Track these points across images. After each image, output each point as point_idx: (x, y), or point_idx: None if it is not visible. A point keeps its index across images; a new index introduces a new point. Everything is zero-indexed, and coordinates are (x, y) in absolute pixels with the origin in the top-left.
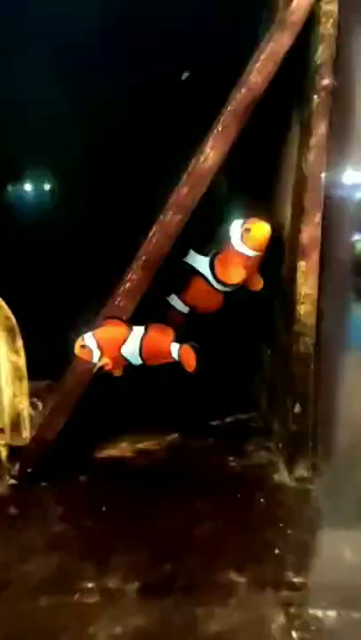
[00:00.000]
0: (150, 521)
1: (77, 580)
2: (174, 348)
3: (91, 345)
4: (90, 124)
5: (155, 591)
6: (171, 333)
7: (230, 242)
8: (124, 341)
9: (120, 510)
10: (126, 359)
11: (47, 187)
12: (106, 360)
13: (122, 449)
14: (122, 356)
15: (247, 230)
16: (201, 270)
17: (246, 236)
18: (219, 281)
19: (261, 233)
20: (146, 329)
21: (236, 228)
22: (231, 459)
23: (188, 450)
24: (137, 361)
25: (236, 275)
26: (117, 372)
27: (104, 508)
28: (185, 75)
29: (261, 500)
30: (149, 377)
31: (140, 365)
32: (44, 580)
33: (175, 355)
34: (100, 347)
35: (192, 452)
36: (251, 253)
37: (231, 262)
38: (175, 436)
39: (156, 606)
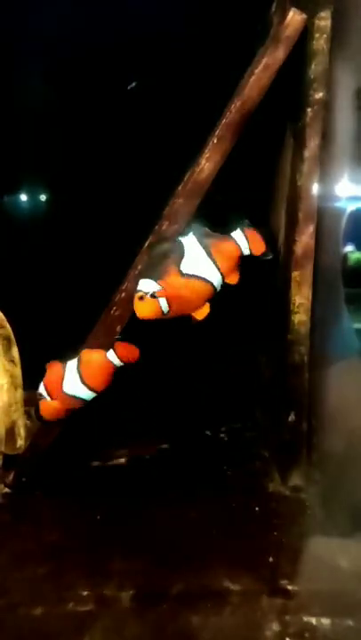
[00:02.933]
0: (145, 529)
1: (71, 588)
2: (111, 355)
3: (44, 394)
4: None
5: (150, 599)
6: (102, 350)
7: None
8: (62, 379)
9: (115, 518)
10: (74, 396)
11: (42, 196)
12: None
13: (116, 457)
14: (67, 394)
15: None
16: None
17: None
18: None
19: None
20: (78, 358)
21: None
22: (225, 467)
23: (182, 458)
24: (85, 393)
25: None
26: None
27: (99, 517)
28: (132, 85)
29: (256, 508)
30: (143, 385)
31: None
32: (38, 587)
33: (115, 360)
34: (48, 393)
35: (186, 460)
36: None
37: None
38: (169, 444)
39: (151, 614)
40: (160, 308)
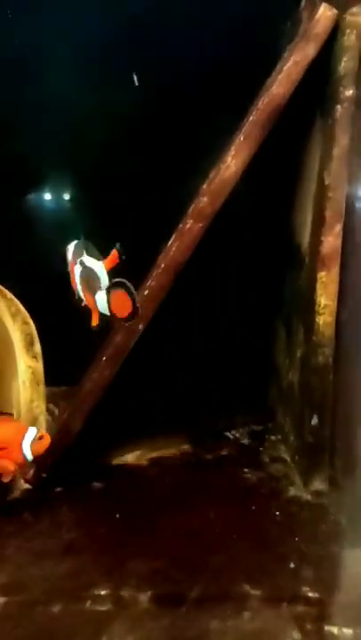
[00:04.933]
0: (164, 530)
1: (90, 586)
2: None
3: None
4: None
5: (168, 601)
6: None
7: None
8: None
9: (133, 518)
10: None
11: (66, 194)
12: None
13: (136, 457)
14: None
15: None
16: None
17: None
18: None
19: None
20: None
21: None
22: (246, 470)
23: (202, 460)
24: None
25: None
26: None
27: (118, 516)
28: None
29: (276, 512)
30: (165, 385)
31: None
32: (56, 585)
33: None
34: None
35: (206, 462)
36: None
37: None
38: (189, 445)
39: (169, 617)
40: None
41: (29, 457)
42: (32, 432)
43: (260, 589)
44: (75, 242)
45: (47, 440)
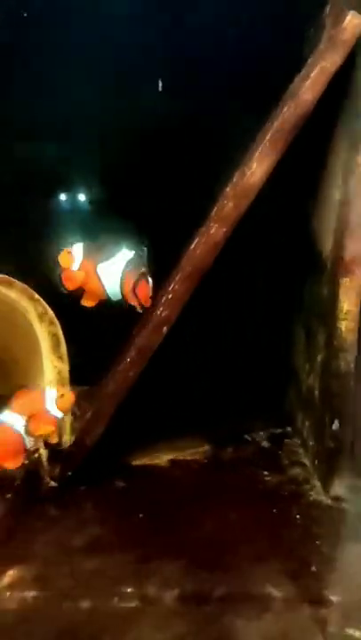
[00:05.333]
0: (186, 530)
1: (117, 584)
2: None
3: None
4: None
5: (193, 600)
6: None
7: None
8: None
9: (156, 518)
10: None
11: (85, 196)
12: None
13: (156, 458)
14: None
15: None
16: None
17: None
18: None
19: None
20: None
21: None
22: (266, 473)
23: (222, 462)
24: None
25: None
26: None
27: (141, 515)
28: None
29: (297, 516)
30: (184, 386)
31: None
32: (84, 581)
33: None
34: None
35: (226, 464)
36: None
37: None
38: (209, 447)
39: (195, 615)
40: (70, 264)
41: (59, 415)
42: (50, 393)
43: (283, 591)
44: (79, 244)
45: (69, 395)
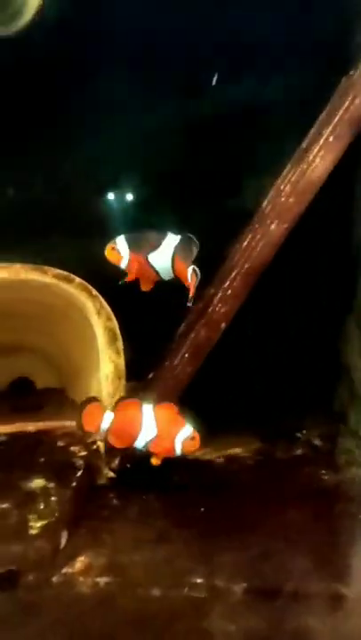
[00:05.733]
0: (248, 525)
1: (186, 574)
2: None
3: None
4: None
5: (262, 594)
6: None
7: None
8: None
9: (218, 512)
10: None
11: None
12: None
13: (210, 453)
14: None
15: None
16: None
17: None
18: None
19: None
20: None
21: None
22: (323, 472)
23: (276, 459)
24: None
25: None
26: None
27: (202, 509)
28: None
29: (359, 516)
30: (236, 383)
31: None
32: (154, 570)
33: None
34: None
35: (281, 461)
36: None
37: None
38: (261, 444)
39: (266, 609)
40: (120, 263)
41: (178, 452)
42: (187, 430)
43: (352, 590)
44: (120, 237)
45: (197, 442)
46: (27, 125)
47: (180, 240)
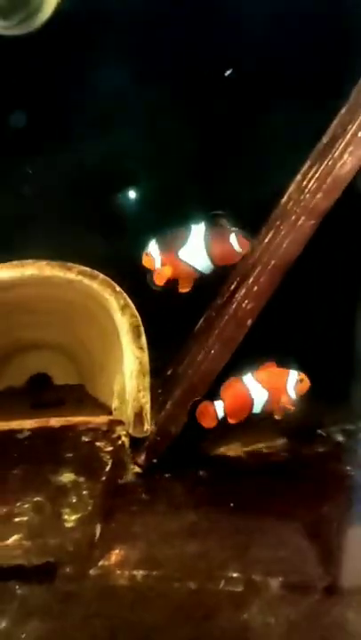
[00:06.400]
0: (279, 521)
1: (221, 568)
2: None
3: None
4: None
5: (298, 588)
6: None
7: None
8: None
9: (247, 507)
10: None
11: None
12: None
13: (233, 449)
14: None
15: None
16: None
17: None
18: None
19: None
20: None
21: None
22: (349, 468)
23: (300, 455)
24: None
25: None
26: None
27: (232, 504)
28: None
29: None
30: None
31: None
32: (188, 564)
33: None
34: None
35: (305, 457)
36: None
37: None
38: (285, 440)
39: (304, 603)
40: (153, 266)
41: (294, 397)
42: (294, 375)
43: None
44: (152, 242)
45: (307, 381)
46: None
47: (205, 226)
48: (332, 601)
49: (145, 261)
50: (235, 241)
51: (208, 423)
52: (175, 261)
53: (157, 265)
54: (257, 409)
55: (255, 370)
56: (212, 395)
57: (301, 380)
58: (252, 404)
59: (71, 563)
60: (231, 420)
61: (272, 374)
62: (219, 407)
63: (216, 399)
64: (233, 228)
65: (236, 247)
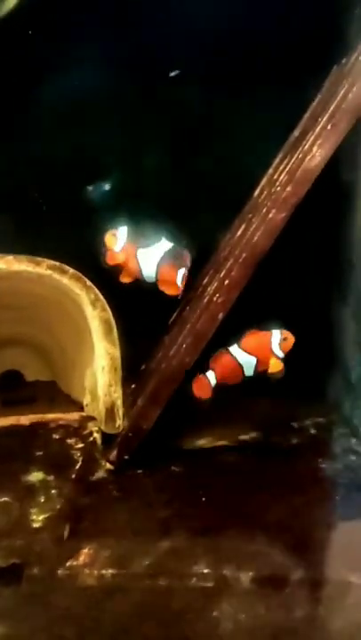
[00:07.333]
0: (253, 515)
1: (192, 564)
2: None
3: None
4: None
5: (270, 582)
6: None
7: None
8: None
9: (220, 502)
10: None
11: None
12: None
13: (207, 442)
14: None
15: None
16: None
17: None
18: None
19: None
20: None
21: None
22: (320, 460)
23: (274, 448)
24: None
25: None
26: None
27: (203, 499)
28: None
29: None
30: None
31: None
32: (158, 561)
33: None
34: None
35: (279, 450)
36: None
37: None
38: (258, 433)
39: (275, 598)
40: (114, 244)
41: (281, 355)
42: (277, 335)
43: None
44: (123, 227)
45: (291, 337)
46: None
47: (172, 248)
48: (303, 594)
49: (107, 239)
50: (180, 277)
51: (204, 394)
52: (131, 254)
53: (117, 247)
54: (249, 373)
55: (240, 338)
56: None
57: (285, 339)
58: (242, 370)
59: (38, 564)
60: (226, 385)
61: (256, 338)
62: (211, 378)
63: (208, 371)
64: (183, 264)
65: (179, 282)
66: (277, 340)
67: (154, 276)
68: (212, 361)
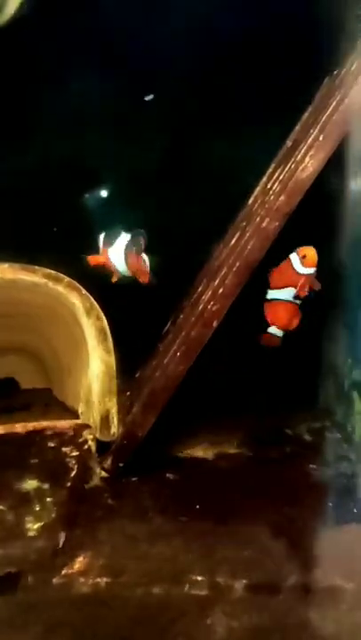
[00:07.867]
0: (247, 521)
1: (185, 572)
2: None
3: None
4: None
5: (263, 589)
6: None
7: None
8: None
9: (214, 509)
10: None
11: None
12: None
13: (200, 450)
14: None
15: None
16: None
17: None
18: None
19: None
20: None
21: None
22: (313, 467)
23: (267, 455)
24: None
25: None
26: None
27: (198, 506)
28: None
29: (354, 510)
30: (222, 381)
31: None
32: (152, 569)
33: None
34: None
35: (272, 457)
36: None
37: None
38: (251, 440)
39: (268, 604)
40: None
41: (308, 271)
42: (295, 256)
43: (354, 584)
44: (101, 235)
45: (312, 253)
46: None
47: (130, 238)
48: (296, 601)
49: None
50: (144, 263)
51: (276, 344)
52: (105, 256)
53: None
54: (295, 301)
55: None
56: None
57: (304, 256)
58: (293, 304)
59: (33, 572)
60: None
61: (278, 272)
62: (276, 332)
63: (269, 327)
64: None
65: (145, 268)
66: (297, 261)
67: (127, 270)
68: (268, 315)
